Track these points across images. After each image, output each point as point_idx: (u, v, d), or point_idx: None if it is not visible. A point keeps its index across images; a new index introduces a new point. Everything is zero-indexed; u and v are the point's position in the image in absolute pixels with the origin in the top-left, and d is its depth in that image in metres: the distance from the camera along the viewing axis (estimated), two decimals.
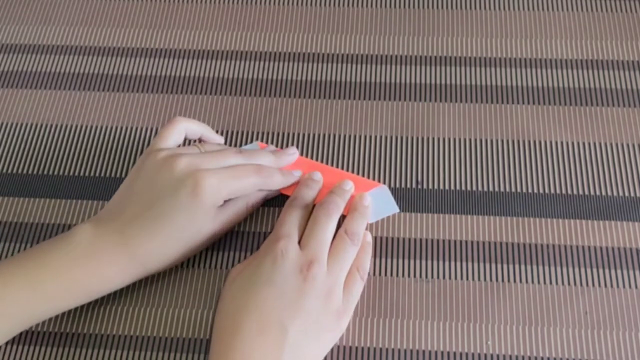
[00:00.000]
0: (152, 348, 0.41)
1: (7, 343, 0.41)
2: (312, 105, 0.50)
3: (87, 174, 0.47)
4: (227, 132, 0.49)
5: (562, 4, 0.54)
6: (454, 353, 0.40)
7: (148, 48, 0.53)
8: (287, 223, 0.40)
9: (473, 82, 0.50)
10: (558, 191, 0.46)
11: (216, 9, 0.55)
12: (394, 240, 0.44)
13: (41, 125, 0.50)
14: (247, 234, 0.45)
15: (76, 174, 0.47)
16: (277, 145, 0.48)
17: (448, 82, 0.50)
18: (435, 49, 0.52)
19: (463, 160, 0.47)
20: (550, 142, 0.48)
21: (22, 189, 0.47)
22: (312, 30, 0.53)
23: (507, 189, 0.46)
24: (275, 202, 0.46)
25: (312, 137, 0.48)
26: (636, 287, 0.42)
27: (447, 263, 0.43)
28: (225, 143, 0.48)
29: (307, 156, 0.48)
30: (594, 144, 0.47)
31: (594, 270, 0.43)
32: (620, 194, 0.45)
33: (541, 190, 0.46)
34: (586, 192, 0.45)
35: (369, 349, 0.41)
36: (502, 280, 0.43)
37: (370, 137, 0.48)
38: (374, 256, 0.43)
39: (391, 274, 0.43)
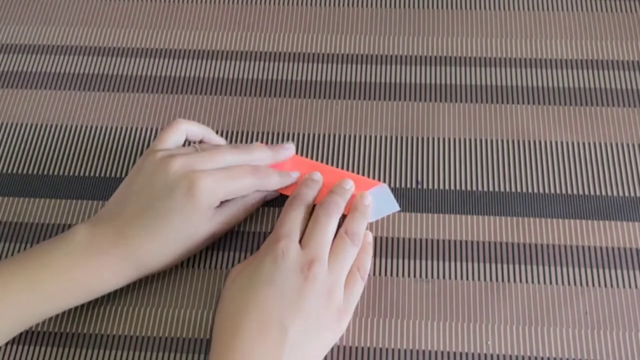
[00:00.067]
0: (152, 348, 0.41)
1: (7, 343, 0.41)
2: (312, 105, 0.50)
3: (87, 174, 0.47)
4: (228, 132, 0.49)
5: (562, 4, 0.54)
6: (454, 353, 0.40)
7: (148, 48, 0.53)
8: (288, 223, 0.40)
9: (473, 82, 0.50)
10: (558, 191, 0.46)
11: (216, 9, 0.55)
12: (394, 240, 0.44)
13: (41, 125, 0.50)
14: (247, 234, 0.45)
15: (76, 174, 0.47)
16: None
17: (448, 82, 0.50)
18: (435, 49, 0.52)
19: (463, 160, 0.47)
20: (550, 142, 0.48)
21: (22, 189, 0.47)
22: (312, 30, 0.53)
23: (507, 189, 0.46)
24: (275, 202, 0.46)
25: (312, 137, 0.48)
26: (636, 287, 0.42)
27: (447, 263, 0.43)
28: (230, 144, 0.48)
29: (307, 156, 0.48)
30: (594, 144, 0.47)
31: (594, 270, 0.43)
32: (620, 194, 0.45)
33: (541, 190, 0.46)
34: (586, 192, 0.45)
35: (369, 349, 0.41)
36: (502, 280, 0.43)
37: (370, 137, 0.48)
38: (374, 256, 0.43)
39: (391, 274, 0.43)
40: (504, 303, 0.42)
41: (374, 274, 0.43)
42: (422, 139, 0.48)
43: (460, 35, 0.53)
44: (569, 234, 0.44)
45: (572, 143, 0.47)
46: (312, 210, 0.43)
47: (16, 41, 0.54)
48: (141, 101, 0.50)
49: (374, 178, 0.46)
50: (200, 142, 0.45)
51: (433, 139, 0.48)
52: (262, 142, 0.48)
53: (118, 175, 0.47)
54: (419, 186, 0.46)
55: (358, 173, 0.47)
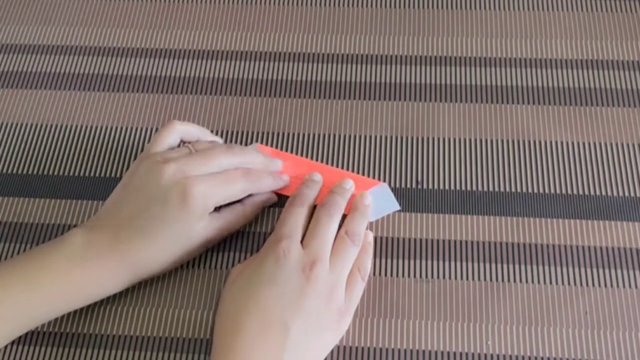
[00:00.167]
0: (152, 348, 0.41)
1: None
2: (312, 105, 0.50)
3: (87, 174, 0.47)
4: (227, 132, 0.49)
5: (562, 4, 0.54)
6: (454, 353, 0.40)
7: (148, 48, 0.53)
8: (289, 223, 0.40)
9: (473, 82, 0.50)
10: (558, 191, 0.46)
11: (216, 9, 0.55)
12: (394, 240, 0.44)
13: (41, 125, 0.50)
14: (247, 234, 0.45)
15: (76, 174, 0.47)
16: (277, 146, 0.48)
17: (448, 82, 0.50)
18: (435, 49, 0.52)
19: (463, 160, 0.47)
20: (550, 142, 0.48)
21: (22, 189, 0.47)
22: (312, 30, 0.53)
23: (507, 189, 0.46)
24: (275, 202, 0.45)
25: (312, 137, 0.48)
26: (636, 287, 0.42)
27: (447, 263, 0.43)
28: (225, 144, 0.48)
29: (307, 156, 0.47)
30: (594, 144, 0.47)
31: (594, 270, 0.43)
32: (620, 194, 0.45)
33: (541, 190, 0.46)
34: (586, 192, 0.45)
35: (369, 349, 0.41)
36: (502, 280, 0.43)
37: (370, 137, 0.48)
38: (374, 256, 0.43)
39: (391, 274, 0.43)
40: (504, 303, 0.42)
41: (374, 274, 0.43)
42: (422, 139, 0.48)
43: (460, 35, 0.53)
44: (569, 234, 0.44)
45: (572, 143, 0.47)
46: (312, 210, 0.43)
47: (16, 41, 0.54)
48: (141, 101, 0.50)
49: (374, 178, 0.46)
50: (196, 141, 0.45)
51: (433, 139, 0.48)
52: (262, 142, 0.48)
53: (118, 175, 0.47)
54: (419, 186, 0.46)
55: (358, 173, 0.47)
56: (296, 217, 0.41)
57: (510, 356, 0.40)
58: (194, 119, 0.49)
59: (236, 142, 0.48)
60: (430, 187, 0.46)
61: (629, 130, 0.48)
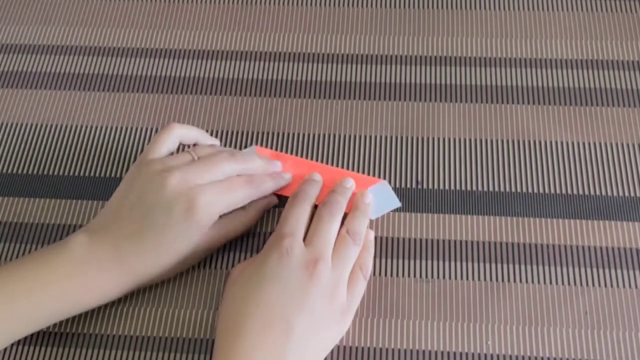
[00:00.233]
0: (152, 348, 0.41)
1: None
2: (312, 105, 0.50)
3: (87, 174, 0.47)
4: (227, 132, 0.49)
5: (562, 4, 0.54)
6: (454, 353, 0.40)
7: (148, 48, 0.53)
8: (291, 221, 0.40)
9: (473, 82, 0.50)
10: (558, 191, 0.46)
11: (216, 9, 0.55)
12: (394, 240, 0.44)
13: (41, 125, 0.50)
14: (248, 234, 0.45)
15: (76, 174, 0.47)
16: (277, 146, 0.48)
17: (448, 82, 0.50)
18: (435, 49, 0.52)
19: (463, 160, 0.47)
20: (550, 142, 0.48)
21: (22, 189, 0.47)
22: (312, 30, 0.53)
23: (507, 189, 0.46)
24: (276, 204, 0.46)
25: (312, 137, 0.48)
26: (636, 287, 0.42)
27: (447, 263, 0.43)
28: (225, 144, 0.48)
29: (307, 156, 0.48)
30: (594, 144, 0.47)
31: (594, 270, 0.43)
32: (620, 194, 0.45)
33: (541, 190, 0.46)
34: (586, 192, 0.45)
35: (369, 349, 0.41)
36: (502, 280, 0.43)
37: (370, 137, 0.48)
38: (375, 256, 0.43)
39: (391, 274, 0.43)
40: (504, 303, 0.42)
41: (374, 274, 0.43)
42: (422, 139, 0.48)
43: (460, 35, 0.53)
44: (569, 234, 0.44)
45: (572, 143, 0.47)
46: (313, 209, 0.43)
47: (16, 41, 0.54)
48: (141, 101, 0.50)
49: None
50: (195, 144, 0.45)
51: (433, 139, 0.48)
52: (261, 142, 0.48)
53: (118, 175, 0.47)
54: (419, 186, 0.46)
55: (358, 173, 0.47)
56: (298, 216, 0.41)
57: (510, 356, 0.40)
58: (194, 119, 0.49)
59: (236, 142, 0.48)
60: (430, 187, 0.46)
61: (629, 130, 0.48)
